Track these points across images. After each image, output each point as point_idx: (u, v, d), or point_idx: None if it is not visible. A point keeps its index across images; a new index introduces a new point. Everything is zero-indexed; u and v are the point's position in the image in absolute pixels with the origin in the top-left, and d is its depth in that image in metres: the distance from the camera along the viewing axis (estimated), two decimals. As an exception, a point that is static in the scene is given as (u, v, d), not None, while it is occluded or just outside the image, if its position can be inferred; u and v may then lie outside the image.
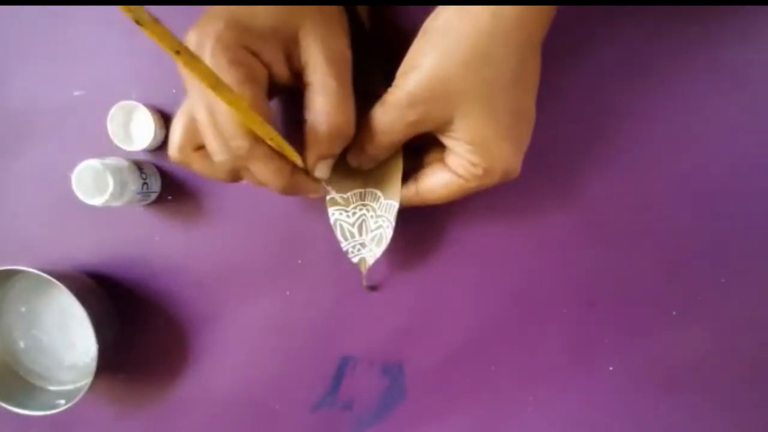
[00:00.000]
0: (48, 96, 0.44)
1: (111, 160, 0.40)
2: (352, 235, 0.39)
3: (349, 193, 0.39)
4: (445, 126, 0.33)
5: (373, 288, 0.43)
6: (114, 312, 0.43)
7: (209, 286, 0.44)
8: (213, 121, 0.31)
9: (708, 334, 0.43)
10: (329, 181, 0.37)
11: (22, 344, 0.45)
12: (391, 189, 0.38)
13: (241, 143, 0.30)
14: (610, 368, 0.43)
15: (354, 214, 0.39)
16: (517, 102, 0.33)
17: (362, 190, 0.39)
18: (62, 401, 0.41)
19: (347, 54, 0.33)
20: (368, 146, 0.35)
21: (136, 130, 0.43)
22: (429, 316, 0.43)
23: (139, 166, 0.41)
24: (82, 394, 0.40)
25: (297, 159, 0.33)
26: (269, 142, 0.31)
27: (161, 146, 0.43)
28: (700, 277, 0.42)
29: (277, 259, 0.44)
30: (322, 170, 0.35)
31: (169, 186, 0.44)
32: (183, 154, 0.34)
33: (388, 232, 0.38)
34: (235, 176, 0.34)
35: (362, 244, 0.39)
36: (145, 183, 0.41)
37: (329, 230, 0.42)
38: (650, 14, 0.40)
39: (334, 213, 0.39)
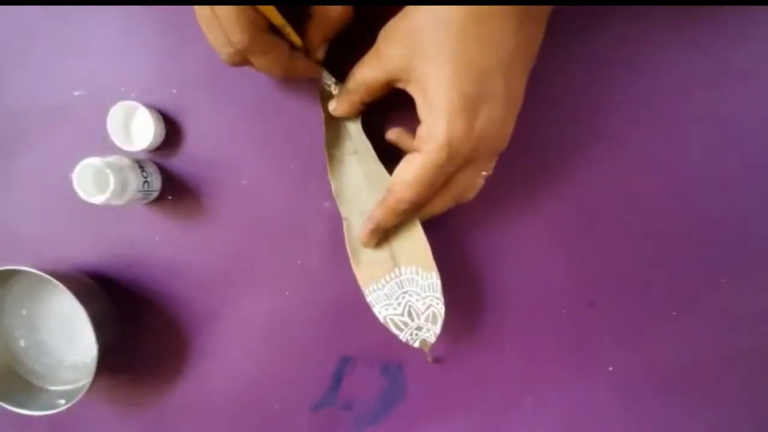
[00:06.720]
0: (48, 96, 0.44)
1: (112, 158, 0.40)
2: (406, 324, 0.40)
3: (382, 281, 0.40)
4: (410, 72, 0.34)
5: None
6: (114, 312, 0.43)
7: (209, 286, 0.44)
8: (216, 17, 0.33)
9: (708, 334, 0.43)
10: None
11: (22, 344, 0.45)
12: (423, 259, 0.39)
13: (240, 37, 0.33)
14: (610, 368, 0.43)
15: (399, 304, 0.40)
16: (503, 80, 0.33)
17: (399, 279, 0.40)
18: (62, 401, 0.41)
19: None
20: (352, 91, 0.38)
21: (136, 130, 0.43)
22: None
23: (140, 164, 0.41)
24: (82, 394, 0.40)
25: (295, 37, 0.37)
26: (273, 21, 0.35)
27: (161, 146, 0.43)
28: (700, 277, 0.42)
29: (277, 259, 0.44)
30: (322, 52, 0.40)
31: (169, 186, 0.44)
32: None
33: (440, 309, 0.39)
34: (241, 63, 0.36)
35: (418, 328, 0.40)
36: (146, 181, 0.41)
37: (329, 230, 0.43)
38: (649, 13, 0.40)
39: (381, 311, 0.40)
